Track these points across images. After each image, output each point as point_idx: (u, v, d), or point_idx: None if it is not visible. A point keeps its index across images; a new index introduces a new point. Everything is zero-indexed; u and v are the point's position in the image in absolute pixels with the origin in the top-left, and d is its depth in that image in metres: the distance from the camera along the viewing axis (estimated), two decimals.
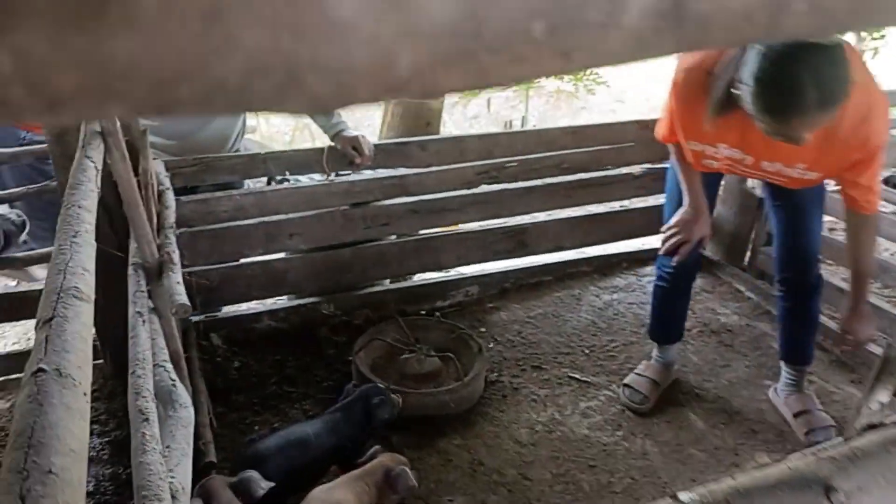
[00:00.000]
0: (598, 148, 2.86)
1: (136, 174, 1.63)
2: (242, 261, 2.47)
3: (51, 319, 0.66)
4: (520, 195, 2.77)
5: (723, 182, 3.10)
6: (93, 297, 0.75)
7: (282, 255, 2.59)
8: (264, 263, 2.53)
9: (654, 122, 3.02)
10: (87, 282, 0.76)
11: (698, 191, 2.00)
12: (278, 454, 1.71)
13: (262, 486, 1.52)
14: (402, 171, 2.59)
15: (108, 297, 2.06)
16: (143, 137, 1.61)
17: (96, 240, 1.99)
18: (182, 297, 1.38)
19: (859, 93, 1.52)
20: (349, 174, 2.51)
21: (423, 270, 2.86)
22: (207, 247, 2.33)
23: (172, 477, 1.02)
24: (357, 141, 2.40)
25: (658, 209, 3.16)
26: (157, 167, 2.08)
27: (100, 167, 1.21)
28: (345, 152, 2.40)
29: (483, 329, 2.72)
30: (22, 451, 0.48)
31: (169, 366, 1.38)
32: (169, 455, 1.10)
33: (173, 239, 1.68)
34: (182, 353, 1.67)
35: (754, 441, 2.13)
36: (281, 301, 2.75)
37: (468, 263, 2.93)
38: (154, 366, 1.34)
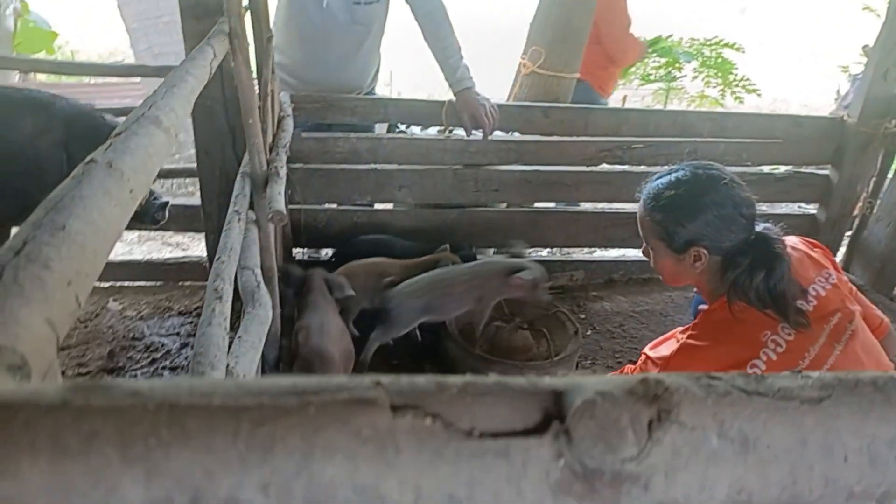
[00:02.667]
0: (740, 140, 2.60)
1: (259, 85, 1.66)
2: (351, 206, 2.48)
3: (119, 134, 0.63)
4: (643, 180, 2.58)
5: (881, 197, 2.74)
6: (173, 131, 0.72)
7: (390, 206, 2.58)
8: (371, 212, 2.52)
9: (809, 119, 2.74)
10: (170, 118, 0.73)
11: None
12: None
13: (347, 291, 1.83)
14: (518, 136, 2.49)
15: (222, 217, 2.13)
16: (269, 46, 1.63)
17: (220, 160, 2.06)
18: (279, 205, 1.37)
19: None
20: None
21: (529, 245, 2.74)
22: (319, 186, 2.36)
23: (236, 362, 1.00)
24: (477, 109, 2.27)
25: (803, 217, 2.84)
26: (282, 97, 2.12)
27: (219, 56, 1.21)
28: (460, 117, 2.30)
29: (583, 316, 2.57)
30: (44, 209, 0.44)
31: (258, 270, 1.38)
32: (238, 344, 1.08)
33: (284, 158, 1.70)
34: (276, 271, 1.68)
35: None
36: None
37: (577, 246, 2.78)
38: (242, 268, 1.35)
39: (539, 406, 0.27)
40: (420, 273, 2.03)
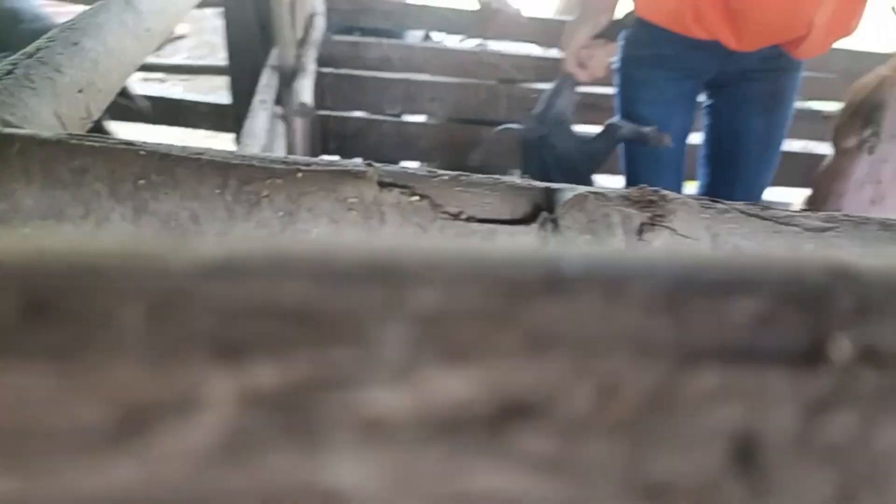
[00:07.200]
0: None
1: None
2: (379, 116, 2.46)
3: None
4: None
5: None
6: None
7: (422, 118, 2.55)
8: (399, 124, 2.50)
9: (869, 56, 2.58)
10: None
11: None
12: None
13: None
14: (556, 52, 2.40)
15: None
16: None
17: (251, 58, 2.04)
18: (305, 97, 1.36)
19: None
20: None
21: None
22: (349, 92, 2.33)
23: None
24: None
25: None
26: None
27: None
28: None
29: None
30: (59, 29, 0.45)
31: None
32: None
33: (313, 54, 1.67)
34: None
35: None
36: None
37: (609, 173, 2.72)
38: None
39: (530, 200, 0.26)
40: None
